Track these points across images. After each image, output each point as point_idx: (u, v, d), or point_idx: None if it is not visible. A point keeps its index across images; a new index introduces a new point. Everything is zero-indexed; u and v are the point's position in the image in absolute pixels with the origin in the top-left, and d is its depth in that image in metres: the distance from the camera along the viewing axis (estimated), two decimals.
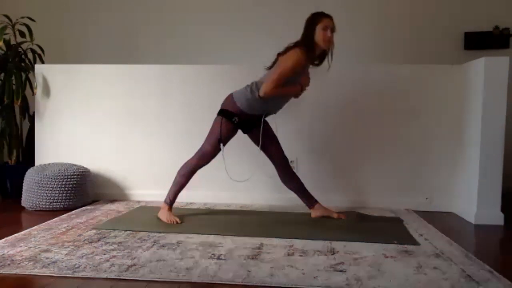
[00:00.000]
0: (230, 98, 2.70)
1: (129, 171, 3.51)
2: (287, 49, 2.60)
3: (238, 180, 2.94)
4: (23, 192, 3.18)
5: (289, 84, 2.60)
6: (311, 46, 2.57)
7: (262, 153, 2.87)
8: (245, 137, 2.86)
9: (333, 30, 2.58)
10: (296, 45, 2.59)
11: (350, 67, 3.42)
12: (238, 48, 4.51)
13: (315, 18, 2.59)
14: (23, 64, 3.70)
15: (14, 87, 3.50)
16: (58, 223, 2.69)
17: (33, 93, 3.57)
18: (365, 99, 3.31)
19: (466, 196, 3.03)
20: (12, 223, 2.74)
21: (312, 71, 2.75)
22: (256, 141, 2.81)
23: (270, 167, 2.97)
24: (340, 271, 1.87)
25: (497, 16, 4.22)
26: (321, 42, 2.56)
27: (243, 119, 2.68)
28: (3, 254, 2.03)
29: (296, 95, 2.73)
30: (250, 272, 1.84)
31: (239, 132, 2.77)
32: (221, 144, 2.68)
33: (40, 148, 3.57)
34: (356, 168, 3.35)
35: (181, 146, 3.39)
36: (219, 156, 2.75)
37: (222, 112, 2.69)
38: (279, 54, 2.63)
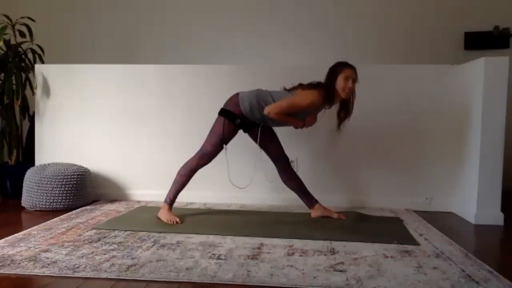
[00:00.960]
0: (235, 98, 2.71)
1: (129, 171, 3.51)
2: (310, 86, 2.64)
3: (239, 186, 2.95)
4: (23, 192, 3.18)
5: (294, 116, 2.65)
6: (331, 93, 2.61)
7: (263, 154, 2.88)
8: (246, 137, 2.86)
9: (354, 81, 2.62)
10: (319, 86, 2.63)
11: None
12: (238, 48, 4.51)
13: (338, 67, 2.64)
14: (23, 64, 3.70)
15: (14, 87, 3.50)
16: (58, 223, 2.69)
17: (33, 93, 3.57)
18: (365, 99, 3.30)
19: (466, 196, 3.03)
20: (12, 223, 2.74)
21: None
22: (256, 140, 2.81)
23: (270, 170, 2.97)
24: (340, 271, 1.87)
25: (497, 16, 4.22)
26: (341, 91, 2.61)
27: (245, 121, 2.69)
28: (3, 254, 2.03)
29: (295, 127, 2.77)
30: (250, 272, 1.84)
31: (240, 132, 2.77)
32: (224, 145, 2.68)
33: (40, 148, 3.57)
34: (356, 168, 3.35)
35: (181, 146, 3.39)
36: (219, 156, 2.75)
37: (224, 113, 2.69)
38: (301, 85, 2.67)
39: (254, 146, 2.86)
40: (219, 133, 2.67)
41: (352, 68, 2.63)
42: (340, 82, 2.60)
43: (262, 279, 1.76)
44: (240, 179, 3.05)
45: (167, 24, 4.62)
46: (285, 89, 2.73)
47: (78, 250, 2.12)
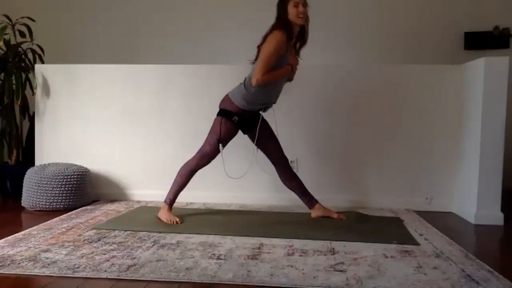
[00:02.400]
0: (226, 98, 2.71)
1: (129, 171, 3.51)
2: (266, 36, 2.61)
3: (234, 177, 2.92)
4: (23, 192, 3.18)
5: (278, 68, 2.60)
6: (287, 25, 2.58)
7: (260, 151, 2.86)
8: (244, 137, 2.86)
9: (305, 5, 2.59)
10: (272, 29, 2.61)
11: (350, 67, 3.42)
12: (238, 48, 4.51)
13: None
14: (23, 64, 3.70)
15: (14, 87, 3.50)
16: (58, 223, 2.69)
17: (33, 93, 3.57)
18: (365, 99, 3.31)
19: (466, 196, 3.03)
20: (12, 223, 2.74)
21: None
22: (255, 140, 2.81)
23: (268, 165, 2.96)
24: (340, 271, 1.87)
25: (497, 16, 4.22)
26: (295, 19, 2.58)
27: (242, 117, 2.68)
28: (3, 254, 2.03)
29: (290, 78, 2.74)
30: (250, 272, 1.84)
31: (239, 132, 2.77)
32: (220, 145, 2.68)
33: (40, 148, 3.57)
34: (356, 168, 3.35)
35: (181, 146, 3.39)
36: (219, 156, 2.74)
37: (222, 112, 2.69)
38: (260, 46, 2.64)
39: (253, 143, 2.86)
40: (217, 133, 2.66)
41: None
42: (291, 11, 2.57)
43: (262, 279, 1.76)
44: (237, 174, 3.03)
45: (167, 24, 4.62)
46: (252, 62, 2.69)
47: (78, 250, 2.12)
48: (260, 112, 2.77)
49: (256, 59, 2.67)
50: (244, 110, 2.66)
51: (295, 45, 2.72)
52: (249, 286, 1.71)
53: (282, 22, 2.60)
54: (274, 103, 2.78)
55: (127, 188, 3.52)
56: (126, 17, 4.67)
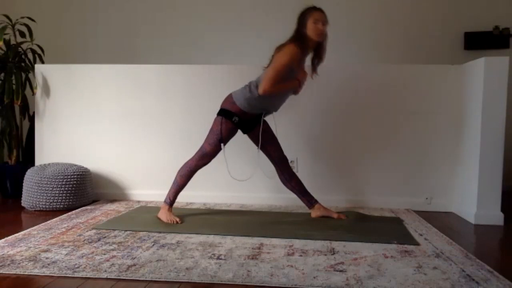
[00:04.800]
0: (229, 98, 2.71)
1: (129, 171, 3.51)
2: (281, 46, 2.62)
3: (239, 179, 2.94)
4: (23, 192, 3.18)
5: (287, 80, 2.61)
6: (304, 40, 2.59)
7: (262, 153, 2.87)
8: (245, 137, 2.86)
9: (324, 23, 2.60)
10: (289, 41, 2.61)
11: (350, 67, 3.42)
12: (238, 48, 4.51)
13: (306, 13, 2.62)
14: (23, 64, 3.70)
15: (14, 87, 3.50)
16: (58, 223, 2.69)
17: (33, 93, 3.57)
18: (365, 99, 3.31)
19: (466, 196, 3.03)
20: (12, 223, 2.74)
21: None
22: (255, 141, 2.81)
23: (270, 168, 2.97)
24: (340, 271, 1.87)
25: (497, 16, 4.22)
26: (313, 35, 2.59)
27: (243, 118, 2.68)
28: (3, 254, 2.03)
29: (295, 91, 2.74)
30: (250, 272, 1.84)
31: (239, 132, 2.77)
32: (222, 144, 2.68)
33: (40, 148, 3.57)
34: (356, 168, 3.35)
35: (181, 146, 3.39)
36: (219, 156, 2.75)
37: (222, 112, 2.69)
38: (273, 54, 2.65)
39: (253, 144, 2.86)
40: (217, 133, 2.67)
41: (320, 10, 2.61)
42: (310, 27, 2.58)
43: (262, 279, 1.76)
44: (239, 176, 3.05)
45: (167, 24, 4.62)
46: (265, 67, 2.70)
47: (78, 250, 2.12)
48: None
49: (269, 65, 2.67)
50: (245, 112, 2.66)
51: (312, 61, 2.72)
52: (249, 286, 1.71)
53: (299, 35, 2.60)
54: (276, 111, 2.80)
55: (127, 188, 3.52)
56: (126, 17, 4.67)
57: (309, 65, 2.75)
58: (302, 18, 2.62)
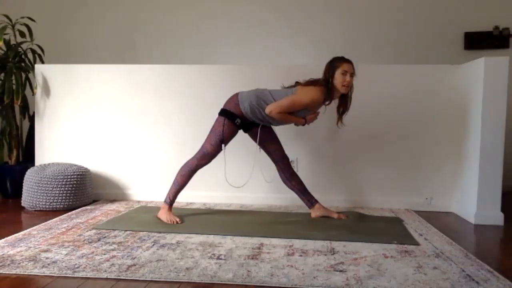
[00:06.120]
0: (234, 98, 2.71)
1: (129, 171, 3.51)
2: (309, 83, 2.64)
3: (235, 186, 2.95)
4: (23, 192, 3.18)
5: (296, 114, 2.65)
6: (331, 89, 2.62)
7: (262, 154, 2.87)
8: (246, 137, 2.86)
9: (352, 75, 2.62)
10: (317, 82, 2.63)
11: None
12: (238, 48, 4.51)
13: (335, 62, 2.64)
14: (23, 64, 3.70)
15: (14, 87, 3.50)
16: (58, 223, 2.69)
17: (33, 93, 3.57)
18: (365, 99, 3.30)
19: (466, 196, 3.03)
20: (12, 223, 2.74)
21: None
22: (256, 139, 2.81)
23: (269, 171, 2.97)
24: (340, 271, 1.87)
25: (497, 16, 4.22)
26: (339, 86, 2.61)
27: (244, 120, 2.69)
28: (3, 254, 2.03)
29: (296, 125, 2.78)
30: (250, 272, 1.84)
31: (240, 132, 2.77)
32: (223, 145, 2.68)
33: (40, 148, 3.57)
34: (356, 168, 3.35)
35: (181, 146, 3.39)
36: (219, 156, 2.75)
37: (224, 113, 2.69)
38: (299, 83, 2.68)
39: (253, 146, 2.86)
40: (219, 133, 2.67)
41: (349, 62, 2.63)
42: (338, 77, 2.60)
43: (262, 279, 1.76)
44: (238, 179, 3.05)
45: (167, 24, 4.62)
46: (284, 87, 2.73)
47: (78, 250, 2.12)
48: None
49: (289, 87, 2.71)
50: (247, 115, 2.67)
51: (338, 110, 2.74)
52: (249, 286, 1.71)
53: (327, 84, 2.62)
54: (274, 126, 2.84)
55: (127, 188, 3.52)
56: (126, 17, 4.67)
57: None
58: (331, 68, 2.64)
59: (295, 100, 2.59)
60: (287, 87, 2.72)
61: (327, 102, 2.72)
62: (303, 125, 2.73)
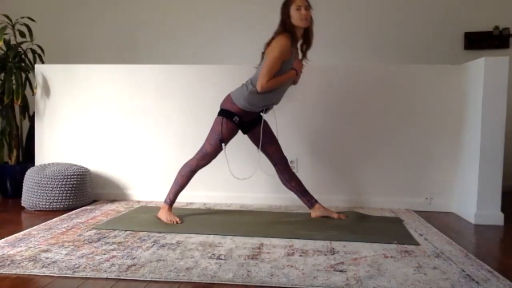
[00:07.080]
0: (228, 98, 2.71)
1: (129, 171, 3.51)
2: (270, 41, 2.63)
3: (241, 178, 2.93)
4: (23, 192, 3.18)
5: (283, 72, 2.62)
6: (291, 29, 2.60)
7: (262, 153, 2.87)
8: (245, 137, 2.86)
9: (307, 7, 2.60)
10: (277, 33, 2.62)
11: (350, 67, 3.42)
12: (238, 48, 4.51)
13: (287, 2, 2.63)
14: (23, 64, 3.70)
15: (14, 87, 3.50)
16: (58, 223, 2.69)
17: (33, 93, 3.57)
18: (365, 99, 3.30)
19: (466, 196, 3.03)
20: (12, 223, 2.74)
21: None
22: (255, 141, 2.81)
23: (270, 167, 2.96)
24: (340, 271, 1.87)
25: (497, 16, 4.22)
26: (298, 22, 2.59)
27: (243, 118, 2.68)
28: (3, 254, 2.03)
29: (294, 82, 2.76)
30: (250, 272, 1.84)
31: (239, 132, 2.77)
32: (223, 144, 2.68)
33: (40, 148, 3.57)
34: (356, 168, 3.35)
35: (181, 146, 3.39)
36: (219, 156, 2.75)
37: (223, 112, 2.69)
38: (264, 51, 2.67)
39: (253, 144, 2.86)
40: (218, 133, 2.67)
41: None
42: (294, 14, 2.59)
43: (262, 279, 1.77)
44: (239, 176, 3.04)
45: (167, 24, 4.62)
46: (257, 67, 2.73)
47: (78, 250, 2.12)
48: (261, 113, 2.78)
49: (260, 63, 2.68)
50: (245, 111, 2.66)
51: (301, 48, 2.73)
52: (249, 286, 1.71)
53: (285, 26, 2.61)
54: (276, 104, 2.79)
55: (127, 188, 3.52)
56: (126, 17, 4.67)
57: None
58: (285, 8, 2.63)
59: (270, 60, 2.56)
60: (259, 64, 2.71)
61: (300, 42, 2.68)
62: (297, 75, 2.69)
